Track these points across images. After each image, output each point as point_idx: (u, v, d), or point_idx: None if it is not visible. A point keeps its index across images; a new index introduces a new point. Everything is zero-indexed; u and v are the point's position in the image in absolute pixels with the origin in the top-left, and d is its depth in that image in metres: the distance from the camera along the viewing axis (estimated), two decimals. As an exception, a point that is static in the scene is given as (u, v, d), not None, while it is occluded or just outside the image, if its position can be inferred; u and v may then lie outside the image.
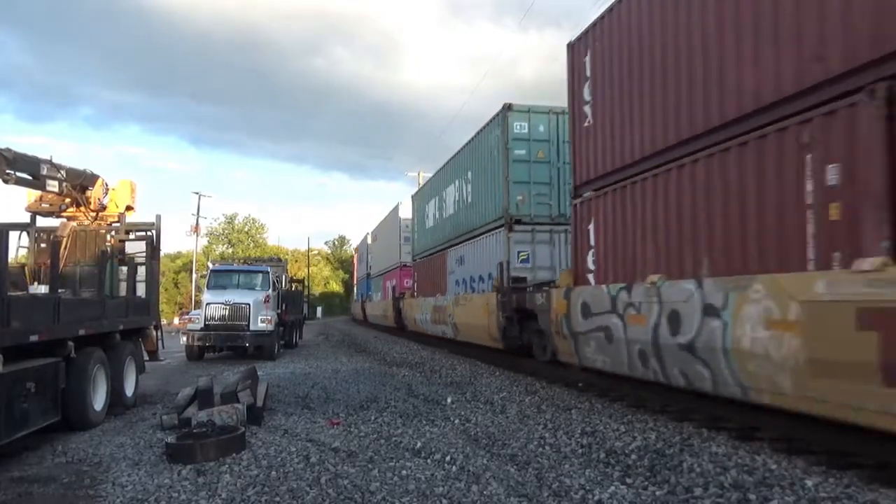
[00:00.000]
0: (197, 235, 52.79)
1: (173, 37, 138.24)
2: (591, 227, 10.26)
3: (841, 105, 5.58)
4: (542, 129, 14.31)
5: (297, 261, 72.79)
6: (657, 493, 5.09)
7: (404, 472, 5.76)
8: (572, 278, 10.69)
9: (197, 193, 52.16)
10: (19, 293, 7.98)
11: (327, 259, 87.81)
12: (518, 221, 14.12)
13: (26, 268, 10.84)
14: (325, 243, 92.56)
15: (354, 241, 72.20)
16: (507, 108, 14.20)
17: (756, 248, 6.49)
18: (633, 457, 6.09)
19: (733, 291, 6.47)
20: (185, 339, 18.24)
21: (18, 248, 11.11)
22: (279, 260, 29.89)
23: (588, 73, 10.63)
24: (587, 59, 10.60)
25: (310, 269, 71.57)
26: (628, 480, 5.44)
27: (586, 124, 10.60)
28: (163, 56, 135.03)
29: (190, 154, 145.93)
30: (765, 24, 6.50)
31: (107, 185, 11.88)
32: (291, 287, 26.80)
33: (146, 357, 10.98)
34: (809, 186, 5.85)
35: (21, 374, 6.34)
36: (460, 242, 18.22)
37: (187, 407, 8.17)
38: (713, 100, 7.34)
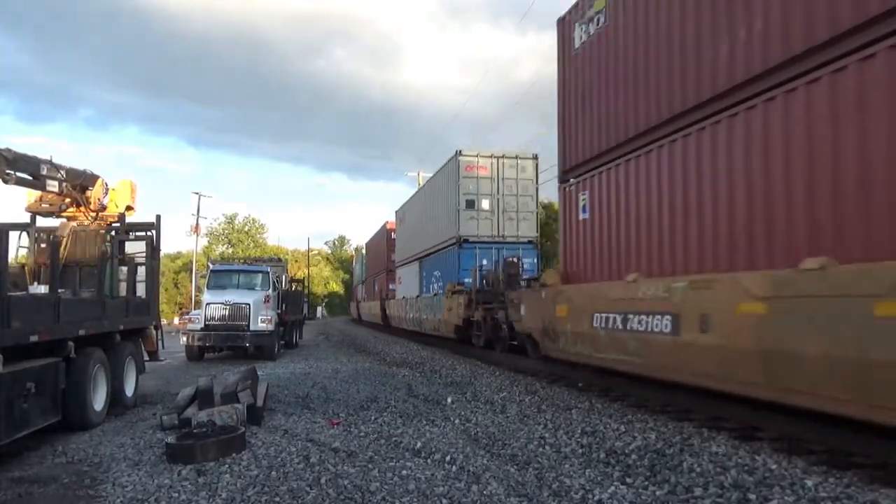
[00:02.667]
0: (197, 235, 52.80)
1: (172, 38, 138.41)
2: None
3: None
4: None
5: (297, 261, 72.78)
6: (657, 492, 5.09)
7: (404, 472, 5.75)
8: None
9: (197, 193, 52.17)
10: (19, 293, 7.97)
11: (327, 259, 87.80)
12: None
13: (26, 268, 10.82)
14: (325, 243, 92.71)
15: (354, 241, 72.44)
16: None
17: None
18: (634, 457, 6.08)
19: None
20: (185, 339, 18.21)
21: (18, 248, 11.08)
22: (279, 260, 29.87)
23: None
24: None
25: (310, 269, 71.54)
26: (628, 480, 5.44)
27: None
28: (162, 57, 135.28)
29: (189, 154, 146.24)
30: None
31: (107, 185, 11.86)
32: (291, 287, 26.78)
33: (146, 357, 10.97)
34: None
35: (21, 374, 6.34)
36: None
37: (187, 407, 8.17)
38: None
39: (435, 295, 20.74)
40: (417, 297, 23.70)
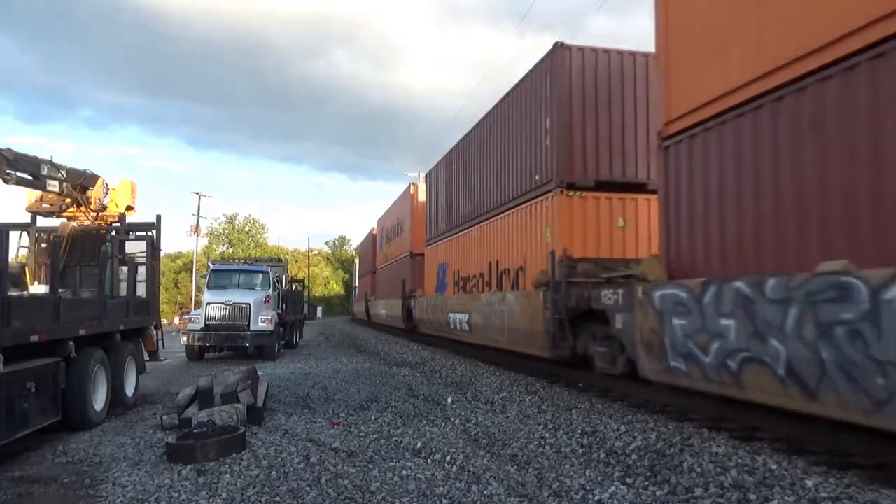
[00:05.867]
0: (197, 235, 52.75)
1: (172, 39, 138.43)
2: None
3: None
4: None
5: (297, 261, 72.79)
6: (657, 493, 5.09)
7: (404, 472, 5.75)
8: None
9: (197, 193, 52.12)
10: (19, 293, 7.98)
11: (328, 259, 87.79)
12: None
13: (26, 268, 10.83)
14: (326, 243, 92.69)
15: (354, 241, 72.35)
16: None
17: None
18: (634, 457, 6.08)
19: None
20: (185, 339, 18.22)
21: (18, 248, 11.10)
22: (279, 260, 29.88)
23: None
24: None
25: (310, 269, 71.54)
26: (629, 480, 5.44)
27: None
28: (162, 58, 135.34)
29: (189, 154, 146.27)
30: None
31: (107, 185, 11.88)
32: (292, 287, 26.78)
33: (146, 357, 10.97)
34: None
35: (21, 373, 6.34)
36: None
37: (188, 407, 8.17)
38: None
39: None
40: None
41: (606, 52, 11.60)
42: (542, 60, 12.14)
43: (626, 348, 8.63)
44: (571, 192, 11.21)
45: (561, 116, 11.33)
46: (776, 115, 6.35)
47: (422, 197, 24.67)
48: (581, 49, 11.50)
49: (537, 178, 12.19)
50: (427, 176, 23.25)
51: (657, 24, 8.44)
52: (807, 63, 5.93)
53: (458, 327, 16.78)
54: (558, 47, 11.46)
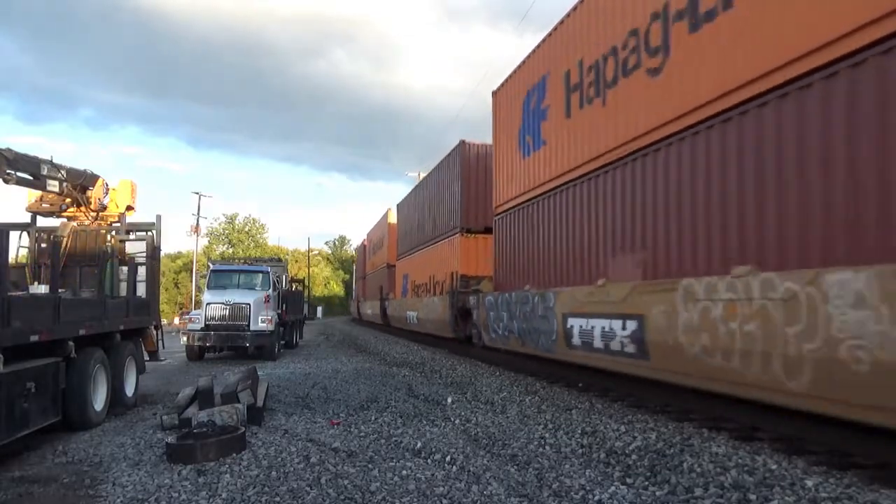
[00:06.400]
0: (197, 235, 52.76)
1: (172, 39, 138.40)
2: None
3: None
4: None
5: (297, 261, 72.79)
6: (657, 493, 5.09)
7: (404, 472, 5.75)
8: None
9: (197, 193, 52.14)
10: (19, 293, 7.98)
11: (328, 259, 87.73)
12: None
13: (26, 268, 10.84)
14: (326, 243, 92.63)
15: (355, 242, 72.38)
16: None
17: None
18: (634, 457, 6.08)
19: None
20: (185, 339, 18.22)
21: (18, 248, 11.11)
22: (279, 260, 29.87)
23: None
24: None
25: (310, 269, 71.54)
26: (629, 480, 5.44)
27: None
28: (162, 58, 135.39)
29: (189, 154, 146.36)
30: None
31: (107, 185, 11.88)
32: (292, 287, 26.79)
33: (146, 357, 10.97)
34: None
35: (21, 373, 6.34)
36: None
37: (188, 407, 8.17)
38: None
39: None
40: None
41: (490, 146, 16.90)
42: (454, 149, 19.15)
43: (479, 329, 15.21)
44: (468, 234, 17.84)
45: (462, 184, 18.13)
46: (542, 208, 12.02)
47: (394, 220, 30.93)
48: (475, 144, 18.35)
49: (451, 223, 19.02)
50: (398, 206, 29.62)
51: (494, 164, 15.24)
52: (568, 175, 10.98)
53: (411, 321, 23.67)
54: (461, 143, 18.48)
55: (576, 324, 9.70)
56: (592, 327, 9.16)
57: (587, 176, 10.02)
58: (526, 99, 12.78)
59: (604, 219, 9.51)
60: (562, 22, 11.14)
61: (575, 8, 10.58)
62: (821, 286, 5.27)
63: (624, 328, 8.26)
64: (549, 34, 11.67)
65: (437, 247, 20.44)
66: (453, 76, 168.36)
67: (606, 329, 8.72)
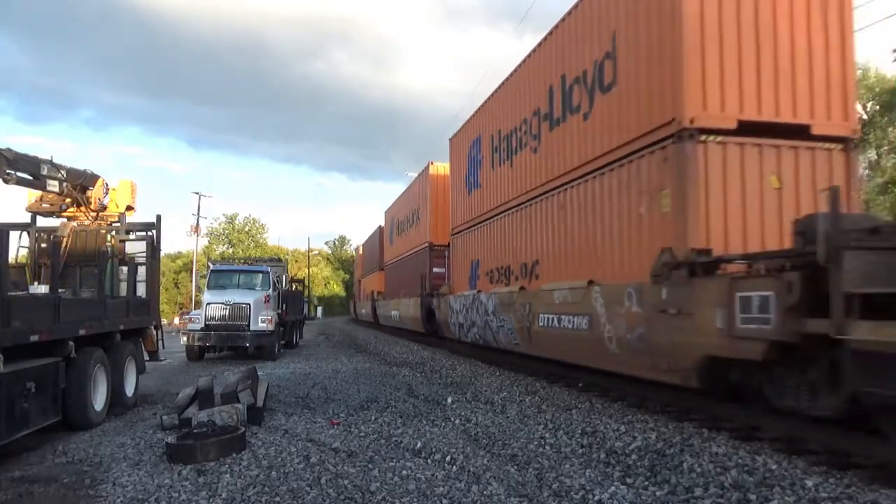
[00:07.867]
0: (197, 235, 52.76)
1: (172, 39, 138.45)
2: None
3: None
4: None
5: (297, 261, 72.78)
6: (657, 493, 5.09)
7: (404, 472, 5.76)
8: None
9: (197, 193, 52.14)
10: (19, 293, 7.97)
11: (328, 259, 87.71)
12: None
13: (26, 268, 10.84)
14: (326, 243, 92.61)
15: (355, 242, 72.45)
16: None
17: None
18: (634, 457, 6.08)
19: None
20: (185, 339, 18.20)
21: (18, 248, 11.10)
22: (279, 260, 29.87)
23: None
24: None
25: (310, 269, 71.53)
26: (629, 480, 5.44)
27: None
28: (162, 58, 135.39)
29: (189, 154, 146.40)
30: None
31: (107, 185, 11.88)
32: (292, 287, 26.78)
33: (146, 357, 10.96)
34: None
35: (21, 373, 6.34)
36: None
37: (188, 407, 8.16)
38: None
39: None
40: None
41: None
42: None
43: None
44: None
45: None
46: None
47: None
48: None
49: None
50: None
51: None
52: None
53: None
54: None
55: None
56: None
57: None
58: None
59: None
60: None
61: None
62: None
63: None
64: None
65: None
66: (453, 76, 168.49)
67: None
